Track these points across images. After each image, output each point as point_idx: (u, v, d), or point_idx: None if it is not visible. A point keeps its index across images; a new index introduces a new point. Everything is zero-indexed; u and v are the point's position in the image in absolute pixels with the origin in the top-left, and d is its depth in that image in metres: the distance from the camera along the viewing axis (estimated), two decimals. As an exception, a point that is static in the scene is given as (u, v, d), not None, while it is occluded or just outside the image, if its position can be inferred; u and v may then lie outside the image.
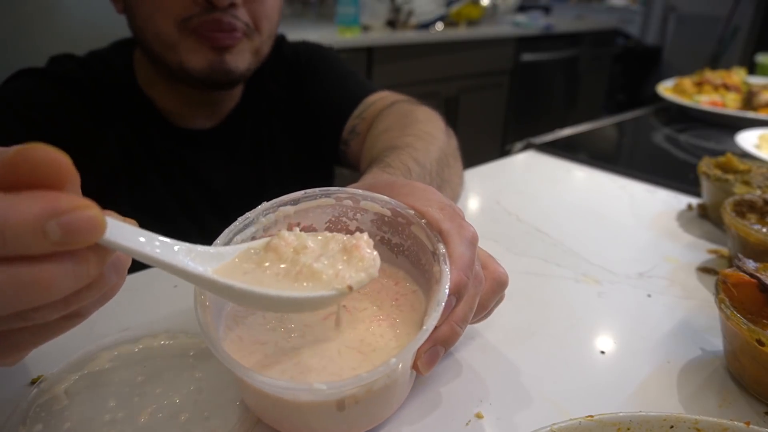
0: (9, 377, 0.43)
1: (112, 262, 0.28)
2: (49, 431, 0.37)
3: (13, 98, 0.73)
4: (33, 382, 0.42)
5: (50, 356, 0.45)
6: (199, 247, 0.31)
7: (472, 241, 0.40)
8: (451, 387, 0.44)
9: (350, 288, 0.33)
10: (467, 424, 0.40)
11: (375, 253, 0.36)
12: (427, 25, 2.55)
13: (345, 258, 0.35)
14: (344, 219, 0.45)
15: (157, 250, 0.28)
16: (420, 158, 0.62)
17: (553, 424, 0.32)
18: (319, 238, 0.37)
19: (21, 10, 1.45)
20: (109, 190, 0.77)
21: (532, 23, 3.03)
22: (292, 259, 0.34)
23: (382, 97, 0.88)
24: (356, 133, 0.86)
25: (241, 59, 0.76)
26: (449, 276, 0.37)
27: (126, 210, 0.32)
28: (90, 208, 0.24)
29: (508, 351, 0.48)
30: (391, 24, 2.48)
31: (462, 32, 2.64)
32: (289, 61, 0.91)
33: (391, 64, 2.32)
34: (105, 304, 0.30)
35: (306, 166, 0.93)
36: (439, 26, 2.59)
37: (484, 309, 0.43)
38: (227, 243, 0.40)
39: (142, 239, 0.28)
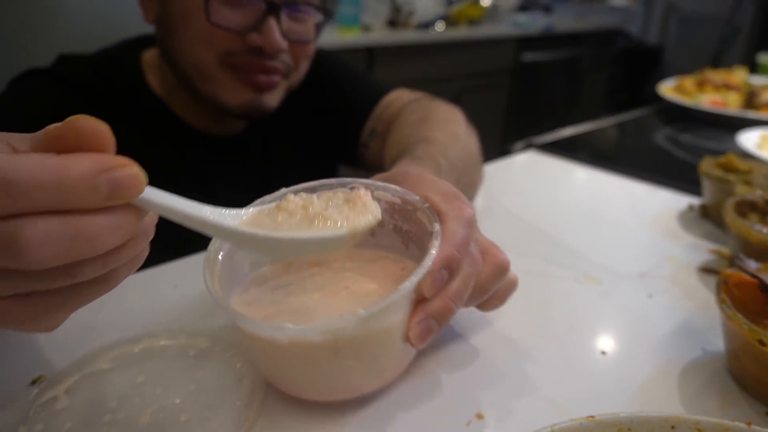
0: (10, 377, 0.43)
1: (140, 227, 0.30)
2: (50, 431, 0.37)
3: (19, 99, 0.72)
4: (34, 382, 0.42)
5: (51, 356, 0.45)
6: (222, 209, 0.34)
7: (469, 221, 0.41)
8: (451, 387, 0.44)
9: (356, 233, 0.36)
10: (468, 424, 0.40)
11: (375, 201, 0.39)
12: (427, 25, 2.55)
13: (350, 206, 0.38)
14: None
15: (188, 208, 0.31)
16: (449, 154, 0.63)
17: (554, 424, 0.32)
18: (321, 196, 0.40)
19: (24, 8, 1.45)
20: None
21: (533, 23, 3.03)
22: (303, 213, 0.37)
23: (398, 97, 0.89)
24: (376, 134, 0.87)
25: (277, 97, 0.78)
26: (438, 248, 0.38)
27: None
28: (133, 166, 0.27)
29: (508, 351, 0.48)
30: (392, 24, 2.48)
31: (462, 32, 2.64)
32: None
33: (392, 64, 2.32)
34: (132, 273, 0.31)
35: (312, 172, 0.93)
36: (440, 26, 2.59)
37: (484, 291, 0.44)
38: None
39: (174, 198, 0.30)
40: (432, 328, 0.39)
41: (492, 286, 0.44)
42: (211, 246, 0.42)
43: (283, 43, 0.71)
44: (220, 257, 0.42)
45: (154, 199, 0.29)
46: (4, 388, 0.42)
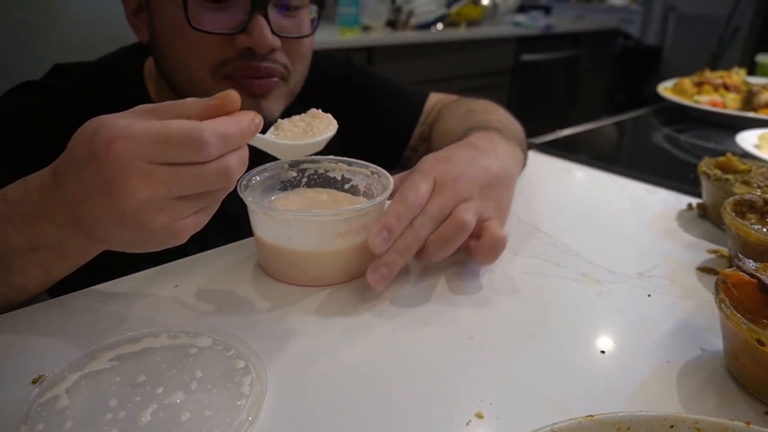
0: (11, 377, 0.43)
1: None
2: (51, 431, 0.37)
3: (9, 114, 0.71)
4: (34, 382, 0.42)
5: (52, 355, 0.46)
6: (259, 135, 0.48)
7: (410, 204, 0.53)
8: (451, 387, 0.44)
9: (336, 130, 0.53)
10: (467, 423, 0.40)
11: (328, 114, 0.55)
12: (427, 25, 2.55)
13: (318, 121, 0.54)
14: (371, 188, 0.64)
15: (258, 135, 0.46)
16: (503, 129, 0.74)
17: (553, 423, 0.33)
18: (298, 117, 0.54)
19: (23, 12, 1.45)
20: None
21: (533, 23, 3.03)
22: (296, 129, 0.52)
23: (439, 100, 0.98)
24: (423, 139, 0.96)
25: (277, 105, 0.75)
26: (382, 217, 0.53)
27: None
28: (258, 115, 0.43)
29: (508, 351, 0.48)
30: (392, 24, 2.48)
31: (462, 32, 2.64)
32: (321, 81, 0.90)
33: (392, 64, 2.32)
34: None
35: None
36: (440, 26, 2.59)
37: (449, 241, 0.54)
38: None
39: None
40: (383, 274, 0.52)
41: (455, 238, 0.54)
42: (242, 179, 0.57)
43: (275, 41, 0.68)
44: (251, 186, 0.60)
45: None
46: (4, 388, 0.42)
